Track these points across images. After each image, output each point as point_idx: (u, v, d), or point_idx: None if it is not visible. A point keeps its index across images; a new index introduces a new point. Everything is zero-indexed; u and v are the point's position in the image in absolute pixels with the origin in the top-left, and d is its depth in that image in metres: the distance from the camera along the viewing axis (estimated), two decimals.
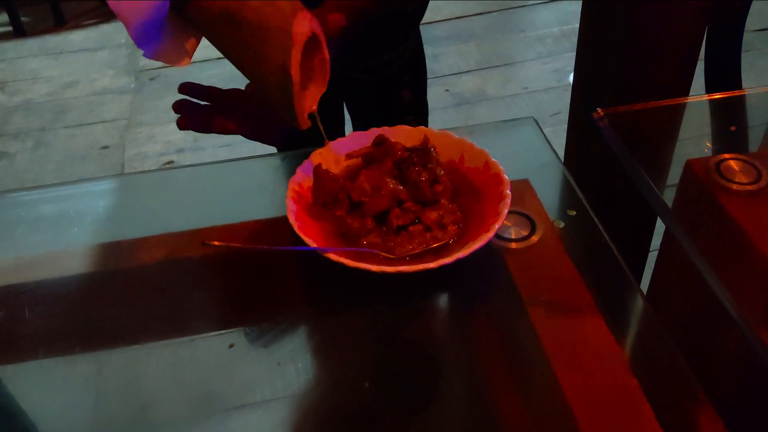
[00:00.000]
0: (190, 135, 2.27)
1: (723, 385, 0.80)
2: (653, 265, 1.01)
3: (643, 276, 1.16)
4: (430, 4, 1.04)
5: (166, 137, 2.28)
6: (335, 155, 0.73)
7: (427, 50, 1.21)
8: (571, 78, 2.43)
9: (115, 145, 2.26)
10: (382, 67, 1.01)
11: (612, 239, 0.70)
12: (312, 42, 0.64)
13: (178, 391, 0.61)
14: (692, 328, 0.87)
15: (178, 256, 0.72)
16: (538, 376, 0.62)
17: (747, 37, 2.51)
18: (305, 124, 0.67)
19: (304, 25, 0.61)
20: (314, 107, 0.68)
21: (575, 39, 2.50)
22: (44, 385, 0.61)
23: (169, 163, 2.18)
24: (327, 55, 0.67)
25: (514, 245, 0.70)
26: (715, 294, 0.70)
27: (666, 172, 0.85)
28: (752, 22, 2.47)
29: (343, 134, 1.10)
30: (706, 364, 0.80)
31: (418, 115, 1.09)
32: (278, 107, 0.66)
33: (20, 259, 0.73)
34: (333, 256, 0.62)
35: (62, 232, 0.75)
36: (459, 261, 0.63)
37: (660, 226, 1.16)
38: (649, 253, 1.21)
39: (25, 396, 0.62)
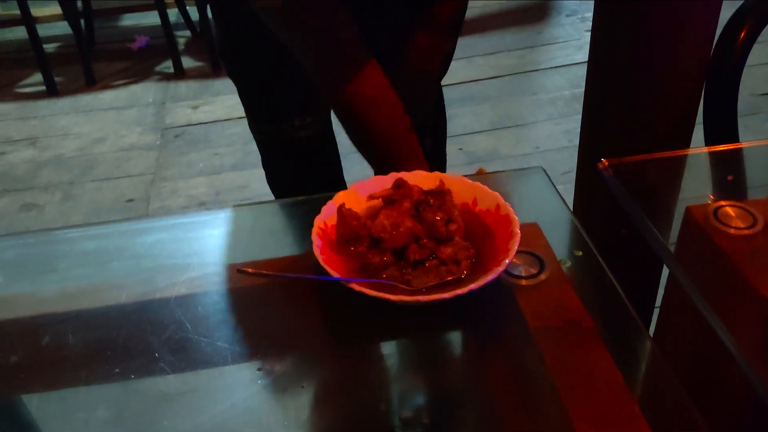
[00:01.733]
0: (212, 189, 2.35)
1: (725, 418, 0.83)
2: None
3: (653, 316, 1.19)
4: None
5: (189, 191, 2.36)
6: (357, 197, 0.79)
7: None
8: None
9: (140, 198, 2.34)
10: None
11: (620, 281, 0.75)
12: None
13: (206, 415, 0.65)
14: (695, 363, 0.90)
15: (210, 288, 0.77)
16: (547, 406, 0.66)
17: (754, 100, 2.58)
18: None
19: None
20: None
21: None
22: (80, 402, 0.66)
23: None
24: None
25: (524, 282, 0.75)
26: (715, 331, 0.74)
27: (669, 218, 0.90)
28: (759, 85, 2.55)
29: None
30: (709, 398, 0.83)
31: (439, 164, 1.16)
32: None
33: (63, 290, 0.78)
34: (355, 286, 0.67)
35: (102, 266, 0.81)
36: (472, 295, 0.68)
37: (666, 271, 1.20)
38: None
39: (54, 417, 0.66)
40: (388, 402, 0.65)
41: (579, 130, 2.74)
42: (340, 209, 0.74)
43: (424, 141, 0.97)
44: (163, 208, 2.30)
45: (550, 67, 2.96)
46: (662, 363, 0.68)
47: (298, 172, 1.13)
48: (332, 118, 1.15)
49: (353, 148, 0.93)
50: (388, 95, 0.86)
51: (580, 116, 2.93)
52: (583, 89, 1.13)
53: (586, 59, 1.07)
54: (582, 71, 2.98)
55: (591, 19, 1.07)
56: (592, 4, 1.06)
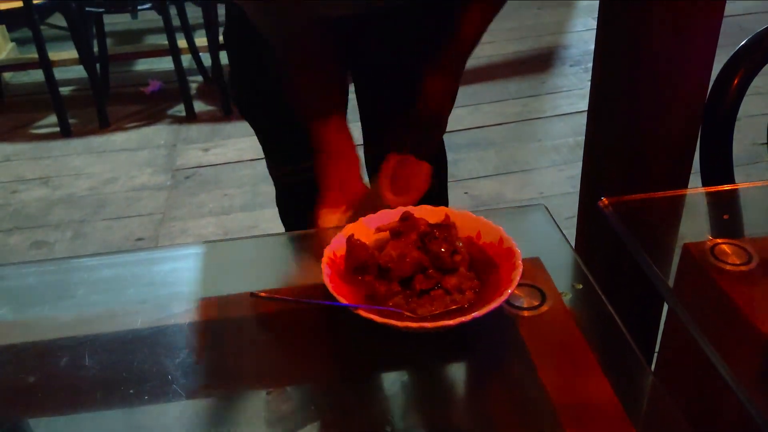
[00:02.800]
0: (220, 229, 2.39)
1: None
2: None
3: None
4: (453, 115, 1.16)
5: (198, 231, 2.39)
6: (366, 229, 0.82)
7: (449, 156, 1.33)
8: None
9: (149, 237, 2.38)
10: None
11: (621, 316, 0.77)
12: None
13: None
14: (694, 394, 0.92)
15: (223, 316, 0.79)
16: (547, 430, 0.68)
17: (756, 149, 2.62)
18: None
19: None
20: None
21: None
22: (95, 424, 0.68)
23: None
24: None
25: (526, 313, 0.77)
26: (714, 364, 0.76)
27: (668, 255, 0.92)
28: (760, 134, 2.59)
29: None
30: (708, 428, 0.85)
31: (443, 205, 1.19)
32: None
33: (81, 315, 0.81)
34: (363, 313, 0.70)
35: (118, 293, 0.84)
36: (475, 324, 0.70)
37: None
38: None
39: None
40: (393, 425, 0.67)
41: None
42: (350, 240, 0.77)
43: (433, 183, 1.01)
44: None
45: (554, 115, 3.02)
46: (662, 394, 0.70)
47: (310, 210, 1.16)
48: None
49: None
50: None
51: None
52: None
53: None
54: (585, 119, 3.05)
55: None
56: None
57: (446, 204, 1.22)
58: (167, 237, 2.37)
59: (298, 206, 1.13)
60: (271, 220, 2.37)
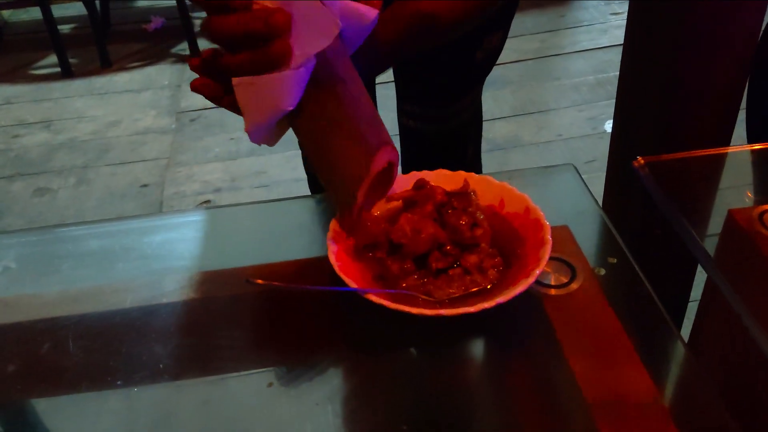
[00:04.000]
0: (227, 175, 2.31)
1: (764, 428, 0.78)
2: (693, 315, 1.00)
3: (683, 325, 1.14)
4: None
5: (204, 177, 2.32)
6: (362, 216, 0.74)
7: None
8: (606, 126, 2.44)
9: (154, 184, 2.31)
10: (449, 117, 1.02)
11: (651, 287, 0.70)
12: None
13: (213, 430, 0.61)
14: (734, 377, 0.85)
15: (219, 293, 0.73)
16: (578, 424, 0.61)
17: None
18: (352, 235, 0.69)
19: (383, 159, 0.65)
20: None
21: (610, 87, 2.50)
22: (80, 417, 0.62)
23: (206, 202, 2.22)
24: (395, 175, 0.71)
25: (553, 292, 0.70)
26: (758, 343, 0.69)
27: (706, 221, 0.84)
28: None
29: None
30: (749, 414, 0.78)
31: (478, 171, 1.10)
32: (339, 209, 0.69)
33: (65, 292, 0.74)
34: (373, 298, 0.62)
35: (107, 267, 0.77)
36: (498, 307, 0.63)
37: (698, 277, 1.14)
38: (689, 303, 1.19)
39: (61, 428, 0.63)
40: (409, 422, 0.60)
41: (603, 117, 2.67)
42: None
43: (467, 148, 0.91)
44: (177, 193, 2.27)
45: (574, 51, 2.89)
46: (704, 381, 0.63)
47: None
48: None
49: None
50: None
51: (605, 103, 2.85)
52: (608, 75, 1.07)
53: (612, 43, 1.01)
54: (607, 56, 2.92)
55: (616, 1, 1.01)
56: None
57: (480, 169, 1.13)
58: (173, 183, 2.31)
59: None
60: (279, 165, 2.30)
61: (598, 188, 1.22)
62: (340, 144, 0.64)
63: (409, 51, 0.74)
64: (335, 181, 0.66)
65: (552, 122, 2.50)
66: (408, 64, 1.04)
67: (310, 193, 1.35)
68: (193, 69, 0.64)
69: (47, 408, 0.64)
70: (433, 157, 1.08)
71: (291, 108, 0.61)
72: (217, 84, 0.63)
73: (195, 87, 0.64)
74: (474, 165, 1.11)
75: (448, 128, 1.02)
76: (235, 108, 0.64)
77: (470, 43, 0.97)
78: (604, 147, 1.24)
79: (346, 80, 0.64)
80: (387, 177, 0.70)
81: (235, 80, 0.60)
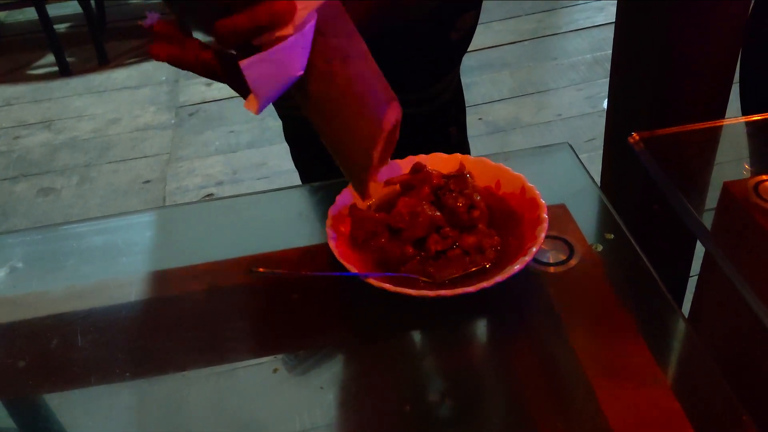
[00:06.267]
0: (229, 168, 2.32)
1: (766, 407, 0.79)
2: (693, 289, 1.01)
3: (684, 300, 1.15)
4: None
5: (206, 171, 2.33)
6: (373, 182, 0.75)
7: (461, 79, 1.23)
8: (604, 104, 2.44)
9: (156, 179, 2.32)
10: (428, 100, 1.02)
11: (650, 263, 0.70)
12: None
13: (222, 418, 0.62)
14: (734, 350, 0.86)
15: (222, 283, 0.74)
16: (579, 399, 0.62)
17: None
18: (368, 198, 0.68)
19: (393, 115, 0.63)
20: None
21: (608, 65, 2.50)
22: (91, 411, 0.64)
23: (208, 195, 2.23)
24: (397, 137, 0.68)
25: (552, 269, 0.71)
26: (757, 315, 0.69)
27: (704, 195, 0.85)
28: None
29: None
30: (749, 387, 0.79)
31: (464, 152, 1.10)
32: (352, 179, 0.67)
33: (72, 288, 0.75)
34: (374, 281, 0.63)
35: (111, 262, 0.78)
36: (498, 284, 0.64)
37: (699, 251, 1.15)
38: (689, 278, 1.20)
39: (72, 421, 0.64)
40: (412, 403, 0.61)
41: (602, 95, 2.67)
42: (353, 210, 0.70)
43: (449, 130, 0.92)
44: (180, 188, 2.28)
45: (571, 30, 2.88)
46: (704, 356, 0.64)
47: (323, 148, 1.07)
48: None
49: None
50: None
51: (603, 81, 2.85)
52: (605, 53, 1.07)
53: (608, 21, 1.01)
54: (603, 34, 2.91)
55: None
56: None
57: (468, 151, 1.14)
58: (175, 178, 2.32)
59: (308, 140, 1.05)
60: (280, 156, 2.30)
61: (599, 167, 1.23)
62: (351, 103, 0.61)
63: (377, 26, 0.72)
64: (348, 143, 0.63)
65: (551, 102, 2.50)
66: (383, 50, 1.03)
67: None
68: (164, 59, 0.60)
69: (59, 402, 0.65)
70: (417, 140, 1.08)
71: (302, 72, 0.58)
72: (176, 45, 0.58)
73: (156, 54, 0.59)
74: (461, 146, 1.10)
75: (428, 110, 1.02)
76: (234, 82, 0.60)
77: (443, 25, 0.97)
78: (603, 125, 1.24)
79: (351, 36, 0.61)
80: (393, 135, 0.68)
81: (242, 63, 0.55)
